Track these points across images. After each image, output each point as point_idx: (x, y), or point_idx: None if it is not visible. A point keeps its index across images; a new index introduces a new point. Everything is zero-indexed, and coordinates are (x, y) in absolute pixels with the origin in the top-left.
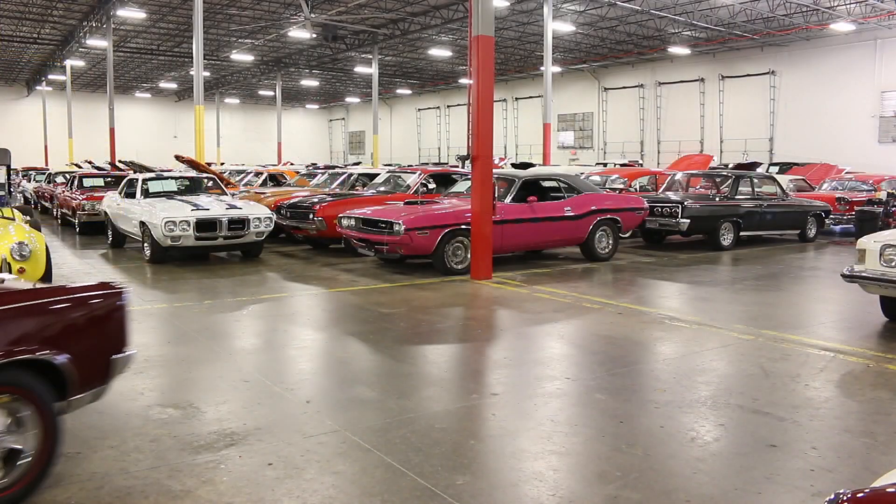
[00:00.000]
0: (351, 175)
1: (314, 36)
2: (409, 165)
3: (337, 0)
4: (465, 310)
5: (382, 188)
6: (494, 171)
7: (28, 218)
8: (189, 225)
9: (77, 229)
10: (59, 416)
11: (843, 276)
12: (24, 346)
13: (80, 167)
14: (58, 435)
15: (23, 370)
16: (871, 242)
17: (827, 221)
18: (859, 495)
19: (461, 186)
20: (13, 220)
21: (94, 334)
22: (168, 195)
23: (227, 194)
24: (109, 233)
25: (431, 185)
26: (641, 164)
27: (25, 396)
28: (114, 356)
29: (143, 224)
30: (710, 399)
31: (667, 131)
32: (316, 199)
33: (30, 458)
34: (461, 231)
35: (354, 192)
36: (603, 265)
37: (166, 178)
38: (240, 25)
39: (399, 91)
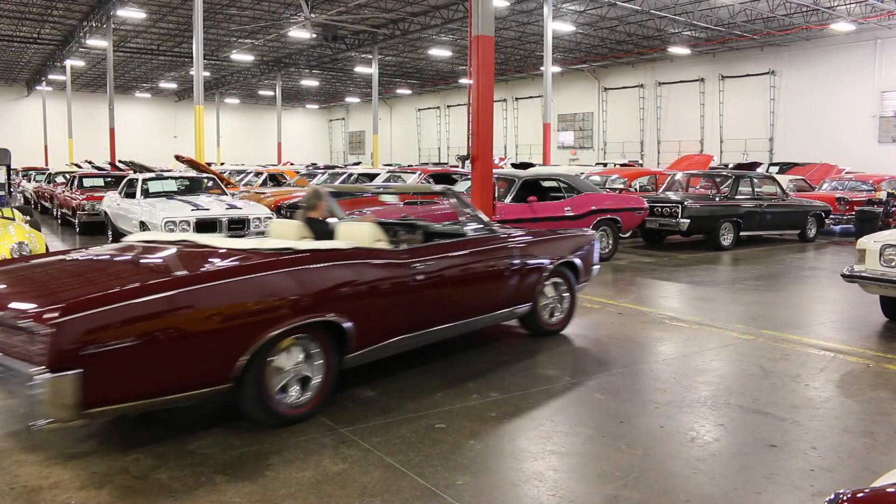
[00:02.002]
0: (351, 175)
1: (314, 36)
2: (409, 165)
3: (337, 0)
4: None
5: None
6: (494, 171)
7: (28, 218)
8: (189, 225)
9: (77, 229)
10: (576, 292)
11: (843, 276)
12: (563, 255)
13: (80, 167)
14: (576, 303)
15: (564, 267)
16: (871, 242)
17: (827, 221)
18: (859, 495)
19: (461, 186)
20: (13, 220)
21: (588, 253)
22: (168, 195)
23: (226, 194)
24: (109, 233)
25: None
26: (641, 164)
27: (564, 279)
28: (592, 266)
29: (143, 224)
30: (710, 399)
31: (667, 131)
32: None
33: (565, 313)
34: None
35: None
36: (603, 265)
37: (166, 178)
38: (240, 25)
39: (399, 91)
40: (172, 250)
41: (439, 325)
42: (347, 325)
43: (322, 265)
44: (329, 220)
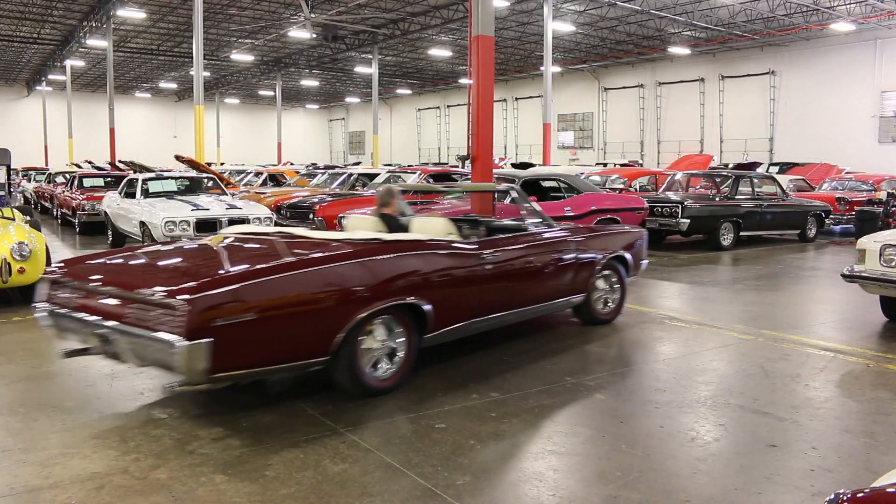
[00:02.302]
0: (351, 175)
1: (314, 36)
2: (409, 165)
3: (337, 0)
4: None
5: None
6: (494, 171)
7: (28, 218)
8: (189, 225)
9: (77, 229)
10: (626, 285)
11: (843, 276)
12: (614, 249)
13: (80, 167)
14: (626, 294)
15: (616, 260)
16: (871, 242)
17: (827, 221)
18: (859, 495)
19: None
20: (13, 220)
21: (638, 249)
22: (168, 195)
23: (226, 194)
24: (109, 233)
25: None
26: (641, 164)
27: (614, 270)
28: (641, 261)
29: (143, 224)
30: (710, 399)
31: (667, 131)
32: (316, 199)
33: (616, 303)
34: None
35: (354, 192)
36: None
37: (166, 178)
38: (240, 25)
39: (399, 91)
40: (276, 240)
41: (505, 310)
42: (427, 307)
43: (405, 254)
44: (399, 216)
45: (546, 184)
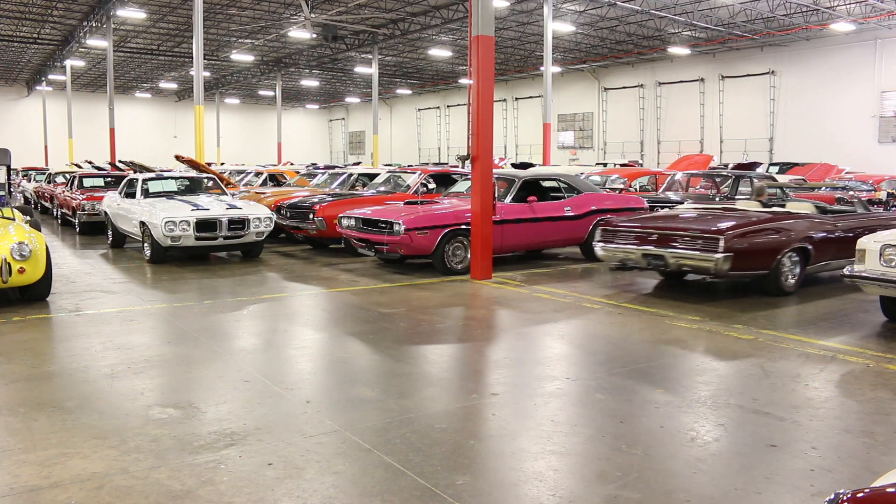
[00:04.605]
0: (351, 175)
1: (314, 36)
2: (409, 165)
3: (337, 0)
4: (464, 310)
5: (382, 188)
6: (494, 171)
7: (28, 218)
8: (189, 225)
9: (77, 229)
10: None
11: (843, 276)
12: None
13: (80, 167)
14: None
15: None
16: (871, 242)
17: None
18: (859, 495)
19: (461, 186)
20: (13, 220)
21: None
22: (168, 195)
23: (227, 194)
24: (109, 233)
25: (431, 185)
26: (641, 164)
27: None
28: None
29: (143, 224)
30: (710, 399)
31: (667, 131)
32: (316, 199)
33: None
34: (461, 231)
35: (354, 192)
36: (602, 265)
37: (166, 178)
38: (240, 25)
39: (399, 91)
40: (727, 212)
41: (840, 258)
42: (810, 249)
43: (801, 220)
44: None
45: (546, 184)
